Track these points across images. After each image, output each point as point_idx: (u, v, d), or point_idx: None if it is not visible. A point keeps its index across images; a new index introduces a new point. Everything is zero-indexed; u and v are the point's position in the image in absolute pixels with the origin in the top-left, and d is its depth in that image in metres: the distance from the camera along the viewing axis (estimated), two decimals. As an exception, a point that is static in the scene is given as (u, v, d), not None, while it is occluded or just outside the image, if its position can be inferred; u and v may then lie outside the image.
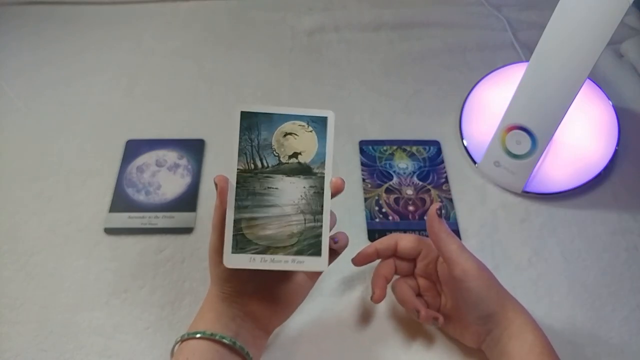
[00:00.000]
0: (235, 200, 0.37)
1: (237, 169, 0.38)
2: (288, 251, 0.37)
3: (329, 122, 0.39)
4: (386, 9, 0.83)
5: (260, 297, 0.41)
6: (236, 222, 0.37)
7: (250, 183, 0.38)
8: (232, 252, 0.37)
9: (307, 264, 0.37)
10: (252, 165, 0.38)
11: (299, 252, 0.37)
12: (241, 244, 0.37)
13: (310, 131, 0.39)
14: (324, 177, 0.39)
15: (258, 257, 0.37)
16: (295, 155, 0.39)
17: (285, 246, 0.37)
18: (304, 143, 0.39)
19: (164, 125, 0.66)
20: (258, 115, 0.38)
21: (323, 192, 0.38)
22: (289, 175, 0.38)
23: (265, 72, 0.73)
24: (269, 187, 0.38)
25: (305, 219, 0.38)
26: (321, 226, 0.38)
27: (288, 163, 0.38)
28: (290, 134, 0.39)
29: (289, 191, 0.38)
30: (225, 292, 0.40)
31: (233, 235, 0.37)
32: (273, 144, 0.39)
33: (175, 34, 0.79)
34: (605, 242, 0.56)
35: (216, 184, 0.37)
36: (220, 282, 0.40)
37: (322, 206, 0.38)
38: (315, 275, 0.43)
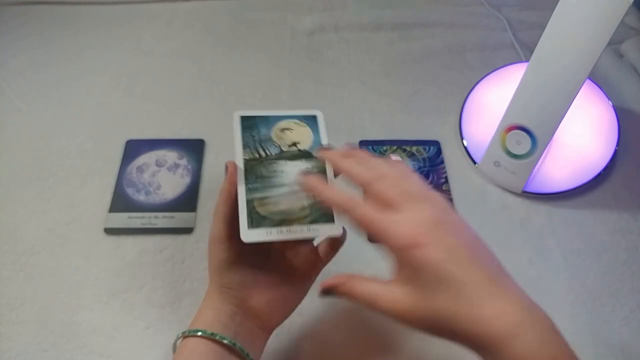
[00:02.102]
0: (245, 183, 0.39)
1: (243, 159, 0.40)
2: (302, 221, 0.39)
3: (319, 119, 0.44)
4: (386, 9, 0.83)
5: (260, 292, 0.41)
6: (248, 202, 0.38)
7: (257, 168, 0.40)
8: (249, 228, 0.38)
9: (323, 230, 0.39)
10: (257, 155, 0.41)
11: (314, 221, 0.39)
12: (256, 221, 0.38)
13: (304, 126, 0.43)
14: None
15: (274, 229, 0.38)
16: (294, 144, 0.42)
17: (299, 217, 0.39)
18: (300, 135, 0.42)
19: (164, 125, 0.66)
20: (256, 118, 0.43)
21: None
22: (291, 160, 0.41)
23: (265, 72, 0.73)
24: (274, 171, 0.40)
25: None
26: None
27: (289, 151, 0.41)
28: (286, 129, 0.43)
29: (294, 172, 0.40)
30: (224, 286, 0.40)
31: (247, 213, 0.38)
32: (273, 137, 0.42)
33: (175, 34, 0.79)
34: (605, 242, 0.56)
35: (226, 167, 0.39)
36: (220, 273, 0.40)
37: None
38: (315, 271, 0.43)
